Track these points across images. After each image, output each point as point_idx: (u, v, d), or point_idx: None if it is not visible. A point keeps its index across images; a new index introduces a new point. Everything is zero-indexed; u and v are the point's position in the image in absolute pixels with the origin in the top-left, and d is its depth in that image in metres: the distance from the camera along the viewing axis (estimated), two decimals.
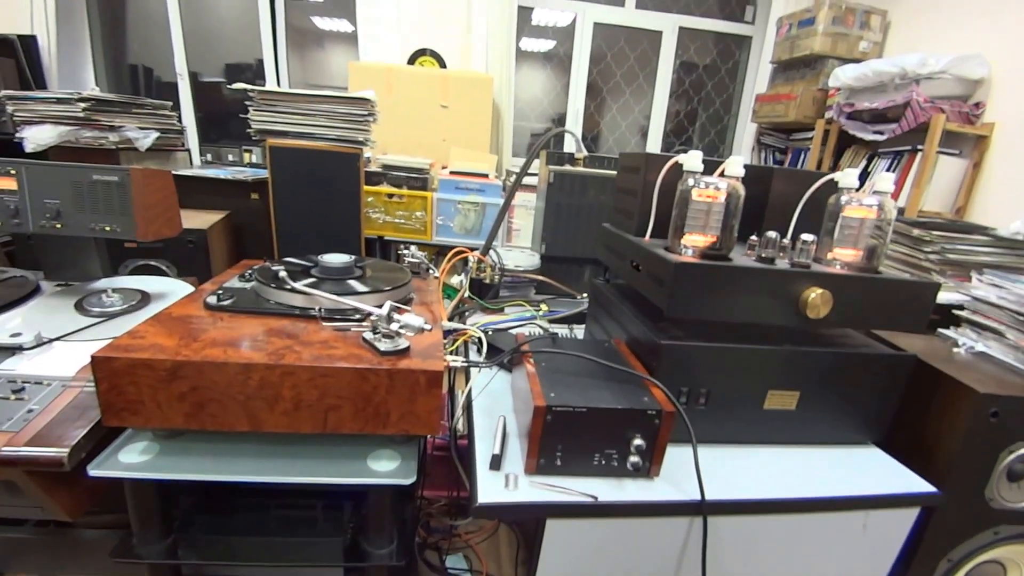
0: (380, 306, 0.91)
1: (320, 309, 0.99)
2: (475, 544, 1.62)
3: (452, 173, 2.68)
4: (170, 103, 1.99)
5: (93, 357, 0.77)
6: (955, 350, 1.18)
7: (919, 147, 2.73)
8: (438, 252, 2.68)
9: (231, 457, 0.88)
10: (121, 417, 0.80)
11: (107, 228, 1.11)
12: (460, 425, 1.12)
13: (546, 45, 4.11)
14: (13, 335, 0.99)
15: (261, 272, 1.08)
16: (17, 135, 1.67)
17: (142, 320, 1.01)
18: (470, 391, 1.12)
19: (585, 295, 1.75)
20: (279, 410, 0.82)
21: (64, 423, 0.84)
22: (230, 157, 3.32)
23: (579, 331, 1.51)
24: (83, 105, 1.67)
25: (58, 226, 1.11)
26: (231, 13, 3.76)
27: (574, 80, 4.10)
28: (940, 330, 1.26)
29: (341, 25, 3.95)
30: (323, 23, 3.97)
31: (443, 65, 3.62)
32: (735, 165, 0.97)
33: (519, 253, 1.92)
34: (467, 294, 1.61)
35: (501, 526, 1.68)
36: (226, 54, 3.86)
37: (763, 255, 0.99)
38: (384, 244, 2.75)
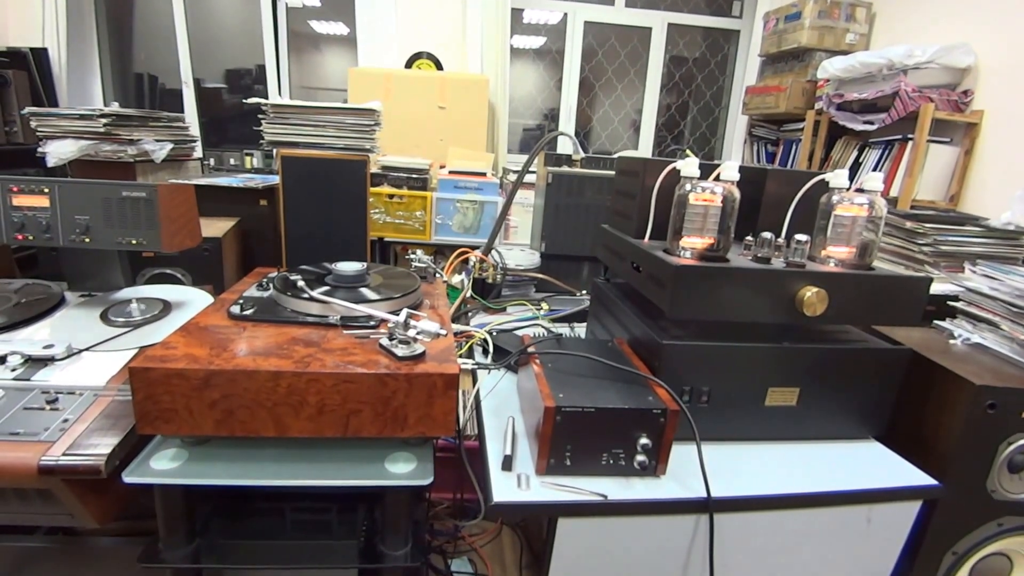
0: (396, 313, 0.95)
1: (338, 317, 1.02)
2: (479, 547, 1.64)
3: (451, 172, 2.71)
4: (184, 116, 2.04)
5: (130, 368, 0.80)
6: (951, 342, 1.20)
7: (909, 136, 2.75)
8: (436, 251, 2.72)
9: (256, 462, 0.91)
10: (155, 425, 0.84)
11: (133, 241, 1.14)
12: (465, 425, 1.15)
13: (537, 42, 4.14)
14: (46, 347, 1.03)
15: (279, 281, 1.11)
16: (39, 149, 1.71)
17: (166, 329, 1.05)
18: (478, 392, 1.15)
19: (584, 292, 1.79)
20: (304, 416, 0.86)
21: (98, 432, 0.88)
22: (232, 161, 3.36)
23: (580, 329, 1.55)
24: (104, 120, 1.71)
25: (87, 240, 1.14)
26: (232, 20, 3.80)
27: (566, 77, 4.13)
28: (936, 322, 1.27)
29: (337, 28, 3.97)
30: (320, 27, 4.00)
31: (440, 67, 3.65)
32: (730, 169, 1.01)
33: (519, 252, 1.96)
34: (469, 294, 1.64)
35: (504, 529, 1.71)
36: (226, 60, 3.90)
37: (759, 255, 1.02)
38: (384, 245, 2.79)
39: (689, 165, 1.04)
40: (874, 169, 2.95)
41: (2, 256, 1.79)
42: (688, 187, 1.01)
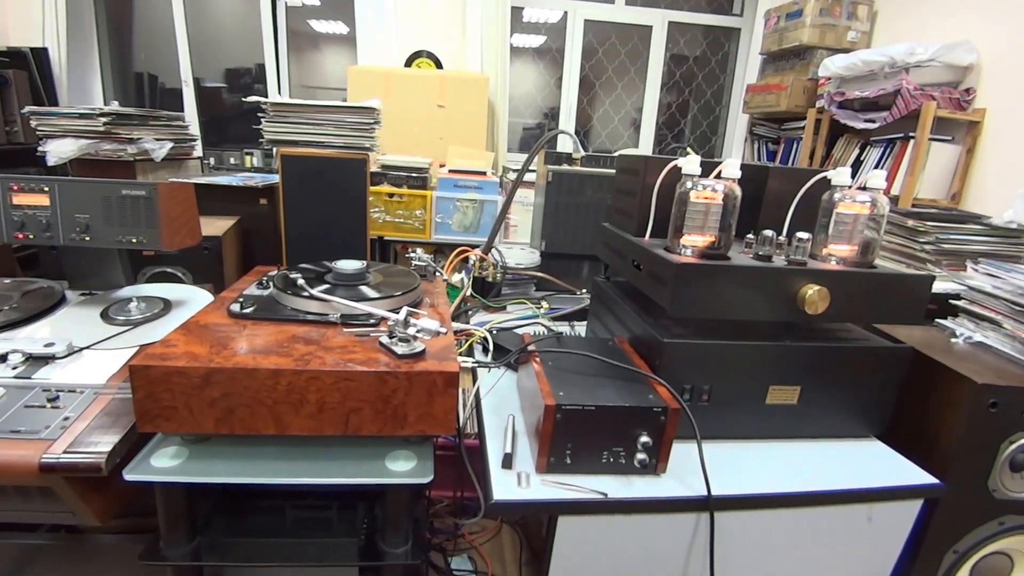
0: (396, 311, 0.95)
1: (338, 315, 1.02)
2: (479, 545, 1.65)
3: (451, 171, 2.71)
4: (184, 115, 2.05)
5: (131, 367, 0.80)
6: (953, 340, 1.19)
7: (911, 134, 2.75)
8: (436, 250, 2.71)
9: (257, 460, 0.91)
10: (155, 423, 0.84)
11: (133, 240, 1.15)
12: (465, 424, 1.15)
13: (537, 41, 4.14)
14: (47, 345, 1.03)
15: (279, 279, 1.11)
16: (40, 148, 1.71)
17: (166, 327, 1.05)
18: (478, 391, 1.15)
19: (584, 291, 1.78)
20: (304, 413, 0.86)
21: (99, 430, 0.88)
22: (232, 160, 3.36)
23: (580, 328, 1.55)
24: (104, 119, 1.72)
25: (87, 239, 1.15)
26: (231, 19, 3.81)
27: (566, 76, 4.13)
28: (938, 320, 1.27)
29: (336, 27, 3.98)
30: (319, 26, 4.00)
31: (439, 66, 3.65)
32: (731, 167, 1.00)
33: (519, 251, 1.96)
34: (469, 292, 1.64)
35: (504, 527, 1.72)
36: (226, 59, 3.92)
37: (760, 253, 1.01)
38: (384, 244, 2.78)
39: (690, 163, 1.03)
40: (875, 168, 2.95)
41: (3, 255, 1.80)
42: (689, 185, 1.01)
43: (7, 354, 1.01)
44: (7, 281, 1.31)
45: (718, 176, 1.01)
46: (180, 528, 0.95)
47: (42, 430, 0.86)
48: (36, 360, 1.02)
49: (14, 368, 0.99)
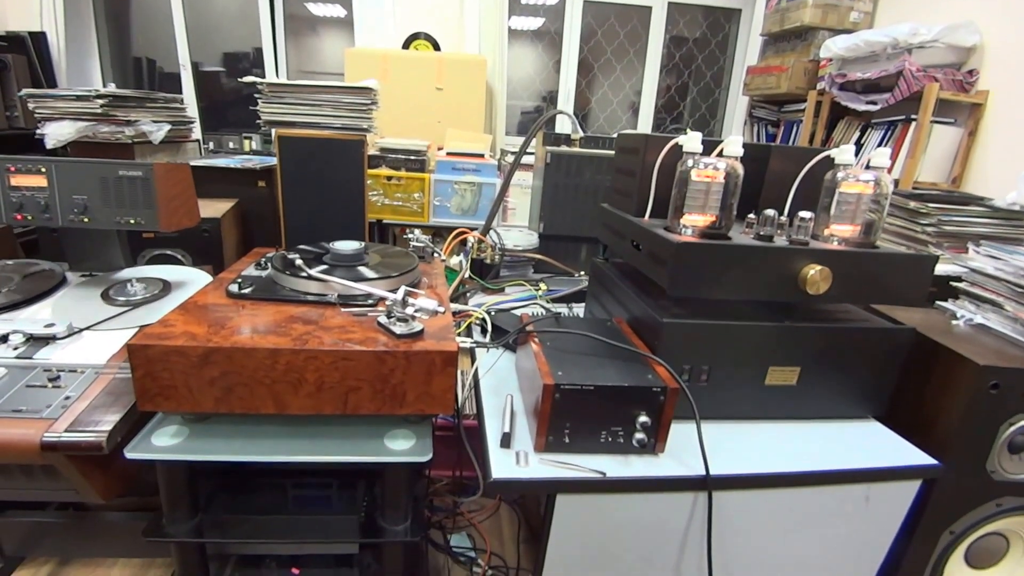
0: (394, 291, 0.95)
1: (336, 295, 1.02)
2: (478, 523, 1.67)
3: (449, 154, 2.70)
4: (181, 96, 2.05)
5: (129, 346, 0.81)
6: (954, 322, 1.18)
7: (913, 117, 2.73)
8: (435, 233, 2.71)
9: (257, 439, 0.92)
10: (155, 402, 0.84)
11: (132, 221, 1.15)
12: (463, 404, 1.16)
13: (535, 23, 4.10)
14: (47, 325, 1.04)
15: (277, 260, 1.11)
16: (38, 131, 1.71)
17: (165, 308, 1.05)
18: (476, 371, 1.15)
19: (583, 273, 1.78)
20: (303, 392, 0.86)
21: (100, 409, 0.88)
22: (231, 144, 3.34)
23: (579, 310, 1.54)
24: (101, 101, 1.72)
25: (85, 220, 1.15)
26: (229, 3, 3.79)
27: (565, 58, 4.10)
28: (939, 303, 1.26)
29: (334, 10, 3.95)
30: (317, 9, 3.97)
31: (437, 48, 3.63)
32: (733, 145, 0.99)
33: (518, 233, 1.95)
34: (468, 275, 1.64)
35: (502, 506, 1.73)
36: (224, 43, 3.90)
37: (761, 233, 1.00)
38: (383, 227, 2.78)
39: (691, 140, 1.02)
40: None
41: (5, 238, 1.80)
42: (690, 163, 1.00)
43: (8, 335, 1.01)
44: (8, 263, 1.32)
45: (720, 154, 1.00)
46: (182, 506, 0.96)
47: (43, 409, 0.87)
48: (37, 340, 1.02)
49: (15, 348, 1.00)
